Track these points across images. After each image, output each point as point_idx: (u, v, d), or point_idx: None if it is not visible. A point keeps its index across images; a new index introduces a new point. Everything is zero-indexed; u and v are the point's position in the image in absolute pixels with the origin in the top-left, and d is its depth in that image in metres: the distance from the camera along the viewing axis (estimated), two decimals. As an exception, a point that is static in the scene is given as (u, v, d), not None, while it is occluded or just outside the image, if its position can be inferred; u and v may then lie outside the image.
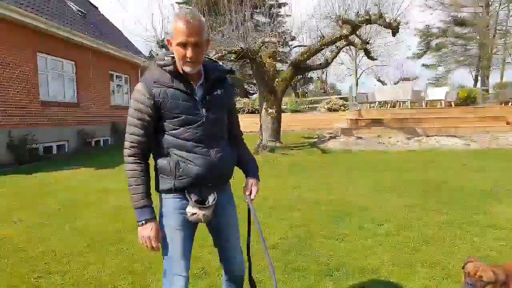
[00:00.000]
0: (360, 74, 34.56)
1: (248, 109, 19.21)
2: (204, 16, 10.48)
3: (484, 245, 3.36)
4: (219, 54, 9.31)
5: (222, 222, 1.89)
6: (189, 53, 1.61)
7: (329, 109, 18.90)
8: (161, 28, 16.25)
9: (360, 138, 11.67)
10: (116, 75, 15.19)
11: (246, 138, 2.07)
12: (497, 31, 29.87)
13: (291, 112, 19.11)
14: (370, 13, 10.48)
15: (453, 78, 38.27)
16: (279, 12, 21.77)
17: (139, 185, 1.71)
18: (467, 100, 16.92)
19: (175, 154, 1.70)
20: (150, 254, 3.32)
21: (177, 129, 1.70)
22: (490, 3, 29.14)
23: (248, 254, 1.94)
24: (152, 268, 3.07)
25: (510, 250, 3.26)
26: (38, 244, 3.66)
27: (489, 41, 29.15)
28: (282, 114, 12.35)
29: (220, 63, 1.93)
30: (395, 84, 25.37)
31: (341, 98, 20.72)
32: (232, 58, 10.21)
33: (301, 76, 28.22)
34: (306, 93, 27.85)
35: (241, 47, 9.72)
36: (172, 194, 1.76)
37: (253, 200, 1.85)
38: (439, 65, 35.21)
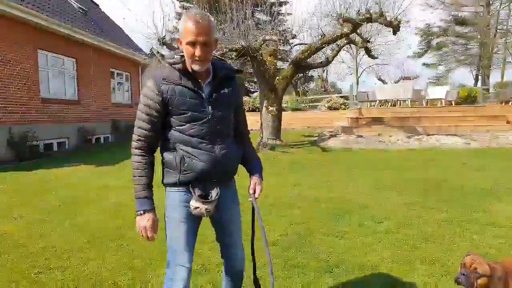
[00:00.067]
0: (361, 73, 34.60)
1: (249, 107, 19.22)
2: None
3: (483, 243, 3.37)
4: (220, 52, 9.31)
5: (225, 218, 1.93)
6: (197, 52, 1.66)
7: (330, 108, 18.90)
8: (162, 26, 16.29)
9: (361, 136, 11.66)
10: (117, 73, 15.18)
11: (246, 136, 2.08)
12: (497, 30, 29.86)
13: (291, 111, 19.11)
14: (371, 11, 10.47)
15: (453, 77, 38.31)
16: (280, 10, 21.72)
17: (142, 176, 1.78)
18: (467, 99, 16.92)
19: (181, 149, 1.76)
20: (151, 250, 3.35)
21: (184, 125, 1.75)
22: (491, 2, 29.09)
23: (252, 254, 1.96)
24: (152, 264, 3.08)
25: (509, 247, 3.27)
26: (38, 240, 3.67)
27: (490, 40, 29.13)
28: (283, 113, 12.34)
29: (229, 63, 1.98)
30: (395, 83, 25.34)
31: (341, 97, 20.73)
32: (232, 56, 10.20)
33: (302, 74, 28.20)
34: (307, 91, 27.85)
35: (242, 45, 9.71)
36: (176, 188, 1.81)
37: (257, 199, 1.88)
38: (439, 64, 35.23)
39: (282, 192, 5.44)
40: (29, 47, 10.03)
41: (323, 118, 17.24)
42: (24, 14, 9.43)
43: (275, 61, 12.15)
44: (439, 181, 6.03)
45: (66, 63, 11.87)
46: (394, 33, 11.36)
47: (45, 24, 10.22)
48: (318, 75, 32.74)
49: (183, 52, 1.74)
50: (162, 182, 1.85)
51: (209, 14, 1.75)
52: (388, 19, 10.56)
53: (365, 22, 10.78)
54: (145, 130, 1.77)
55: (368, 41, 12.74)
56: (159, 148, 1.88)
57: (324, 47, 11.53)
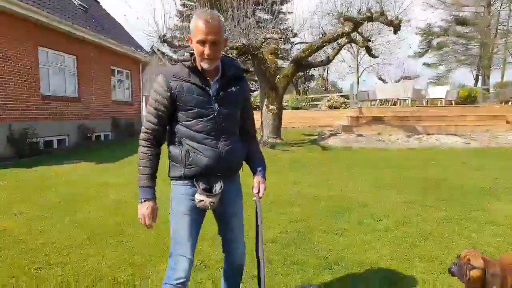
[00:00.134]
0: (362, 72, 34.58)
1: (249, 106, 19.18)
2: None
3: (481, 241, 3.39)
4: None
5: (228, 212, 1.98)
6: (207, 50, 1.71)
7: (330, 107, 18.89)
8: (163, 23, 16.28)
9: (361, 135, 11.67)
10: (117, 70, 15.16)
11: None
12: (498, 30, 29.88)
13: (292, 109, 19.10)
14: (372, 10, 10.47)
15: (454, 77, 38.35)
16: (281, 9, 21.69)
17: (146, 167, 1.87)
18: (467, 99, 16.93)
19: (186, 144, 1.82)
20: (151, 247, 3.37)
21: (190, 120, 1.81)
22: (491, 2, 29.08)
23: (257, 254, 1.98)
24: (152, 260, 3.09)
25: (507, 245, 3.29)
26: (38, 236, 3.67)
27: (490, 40, 29.13)
28: (283, 111, 12.36)
29: (238, 62, 2.02)
30: (396, 82, 25.34)
31: (342, 96, 20.72)
32: (233, 54, 10.20)
33: (303, 73, 28.21)
34: (307, 90, 27.82)
35: (243, 43, 9.71)
36: (182, 181, 1.88)
37: (261, 198, 1.92)
38: (440, 64, 35.22)
39: (282, 190, 5.44)
40: (30, 44, 10.02)
41: (324, 117, 17.23)
42: (24, 10, 9.42)
43: (276, 59, 12.15)
44: (438, 180, 6.04)
45: (66, 60, 11.86)
46: (395, 32, 11.37)
47: (45, 21, 10.20)
48: (319, 74, 32.75)
49: (193, 50, 1.79)
50: (169, 175, 1.92)
51: (219, 14, 1.80)
52: (389, 18, 10.57)
53: (366, 21, 10.78)
54: (153, 123, 1.84)
55: (369, 40, 12.74)
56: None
57: (325, 45, 11.53)
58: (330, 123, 15.50)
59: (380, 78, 33.64)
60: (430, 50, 34.79)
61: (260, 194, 1.92)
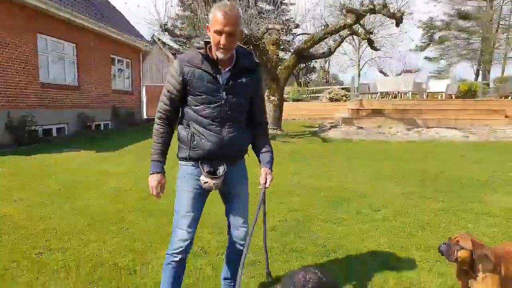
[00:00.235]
0: (363, 65, 34.44)
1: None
2: (207, 2, 10.34)
3: (477, 231, 3.43)
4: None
5: (232, 193, 2.09)
6: (222, 40, 1.79)
7: (331, 99, 18.84)
8: (164, 12, 16.16)
9: (361, 128, 11.68)
10: (117, 59, 15.07)
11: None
12: (500, 25, 29.73)
13: (293, 101, 19.07)
14: (375, 2, 10.39)
15: (454, 71, 38.15)
16: (283, 0, 21.57)
17: (157, 143, 2.00)
18: (467, 93, 16.92)
19: (193, 127, 1.94)
20: (151, 233, 3.40)
21: (198, 106, 1.92)
22: (494, -3, 28.89)
23: (265, 248, 2.05)
24: (152, 246, 3.11)
25: (502, 236, 3.34)
26: (38, 222, 3.69)
27: (492, 35, 29.00)
28: (284, 103, 12.34)
29: (253, 55, 2.09)
30: (397, 76, 25.27)
31: (343, 88, 20.66)
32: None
33: (304, 65, 28.08)
34: (309, 82, 27.67)
35: (245, 33, 9.65)
36: (187, 162, 2.00)
37: (267, 188, 2.02)
38: (441, 58, 35.09)
39: (282, 181, 5.46)
40: (28, 30, 9.94)
41: (324, 109, 17.22)
42: (23, -3, 9.32)
43: (277, 50, 12.09)
44: (437, 173, 6.08)
45: (66, 48, 11.78)
46: (397, 25, 11.30)
47: (44, 8, 10.09)
48: (320, 66, 32.60)
49: (209, 38, 1.87)
50: (177, 156, 2.04)
51: (238, 6, 1.89)
52: (392, 10, 10.49)
53: (368, 13, 10.71)
54: (166, 105, 1.97)
55: (371, 33, 12.69)
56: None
57: (327, 37, 11.48)
58: (331, 115, 15.49)
59: (381, 71, 33.54)
60: (431, 44, 34.64)
61: (267, 185, 2.01)
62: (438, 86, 16.22)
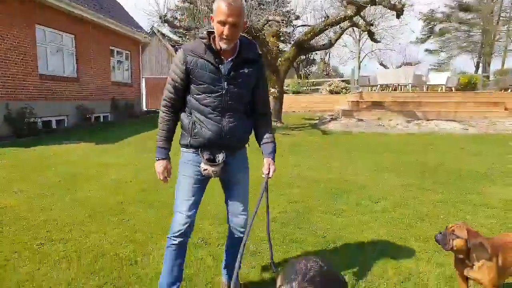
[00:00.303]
0: (363, 58, 34.29)
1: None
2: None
3: (475, 222, 3.46)
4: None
5: (232, 181, 2.13)
6: (226, 31, 1.82)
7: (331, 91, 18.80)
8: (164, 3, 16.01)
9: (361, 120, 11.68)
10: (116, 51, 14.97)
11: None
12: (500, 18, 29.57)
13: (293, 93, 19.03)
14: (375, -7, 10.31)
15: (455, 64, 38.03)
16: (283, -10, 21.37)
17: (162, 130, 2.07)
18: (467, 86, 16.89)
19: (195, 116, 1.99)
20: (152, 225, 3.41)
21: (200, 94, 1.96)
22: (495, -12, 28.67)
23: (268, 237, 2.09)
24: (153, 237, 3.13)
25: (500, 227, 3.37)
26: (39, 214, 3.71)
27: (492, 27, 28.87)
28: (284, 95, 12.31)
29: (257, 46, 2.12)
30: (397, 68, 25.17)
31: (343, 81, 20.60)
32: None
33: (304, 57, 27.94)
34: (309, 75, 27.57)
35: (244, 25, 9.58)
36: (188, 149, 2.06)
37: (270, 178, 2.05)
38: (441, 51, 34.95)
39: (282, 172, 5.47)
40: (26, 21, 9.85)
41: (324, 101, 17.20)
42: (21, -13, 9.23)
43: (277, 42, 12.03)
44: (436, 165, 6.10)
45: (64, 39, 11.69)
46: (398, 16, 11.22)
47: (42, -2, 10.01)
48: (321, 58, 32.47)
49: (213, 28, 1.89)
50: (179, 142, 2.10)
51: None
52: (392, 2, 10.41)
53: (369, 5, 10.63)
54: (170, 93, 2.02)
55: (372, 25, 12.62)
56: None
57: (327, 29, 11.41)
58: (331, 108, 15.48)
59: (381, 64, 33.40)
60: (432, 36, 34.47)
61: (270, 175, 2.04)
62: (438, 78, 16.18)
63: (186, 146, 2.05)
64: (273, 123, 10.90)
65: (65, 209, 3.87)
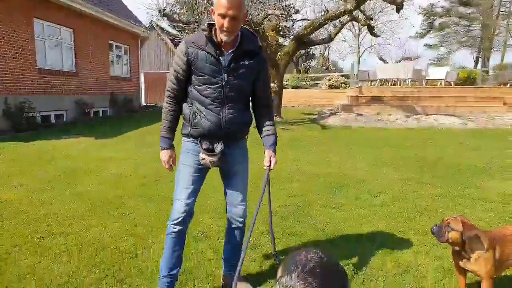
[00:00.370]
0: (363, 52, 34.21)
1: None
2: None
3: (474, 216, 3.48)
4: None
5: (231, 171, 2.17)
6: (226, 23, 1.84)
7: (330, 86, 18.78)
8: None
9: (360, 115, 11.68)
10: (115, 45, 14.90)
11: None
12: (500, 12, 29.49)
13: (292, 88, 19.00)
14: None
15: (454, 58, 38.03)
16: (283, -16, 21.23)
17: (166, 120, 2.12)
18: (467, 80, 16.89)
19: (195, 106, 2.03)
20: (152, 218, 3.43)
21: (201, 86, 1.99)
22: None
23: (271, 229, 2.12)
24: (153, 231, 3.14)
25: (498, 220, 3.39)
26: (39, 207, 3.71)
27: (492, 22, 28.81)
28: (283, 90, 12.29)
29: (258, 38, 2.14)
30: (397, 63, 25.11)
31: (342, 76, 20.57)
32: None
33: (304, 52, 27.86)
34: (308, 69, 27.52)
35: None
36: (188, 138, 2.11)
37: (272, 170, 2.08)
38: (441, 45, 34.92)
39: (282, 167, 5.47)
40: (25, 15, 9.79)
41: (324, 96, 17.18)
42: (19, -20, 9.16)
43: (277, 36, 11.98)
44: (435, 159, 6.11)
45: (63, 33, 11.63)
46: (398, 11, 11.19)
47: (40, -8, 9.94)
48: (320, 53, 32.37)
49: (214, 20, 1.92)
50: (181, 132, 2.15)
51: None
52: (392, -5, 10.37)
53: (369, -1, 10.57)
54: (173, 84, 2.06)
55: (371, 19, 12.57)
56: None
57: (327, 23, 11.36)
58: (330, 103, 15.47)
59: (381, 58, 33.35)
60: (431, 31, 34.39)
61: (272, 167, 2.07)
62: (437, 73, 16.18)
63: (187, 135, 2.10)
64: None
65: (65, 203, 3.88)
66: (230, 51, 1.97)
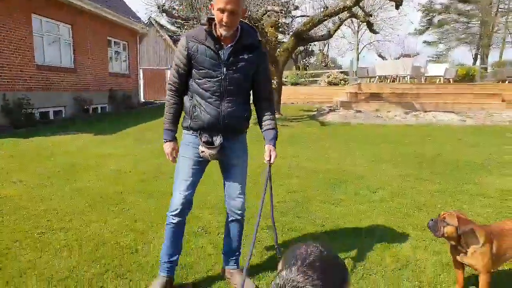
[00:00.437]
0: (362, 49, 34.16)
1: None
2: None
3: (472, 211, 3.50)
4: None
5: (230, 164, 2.19)
6: (225, 18, 1.87)
7: (330, 83, 18.78)
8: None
9: (359, 111, 11.69)
10: (114, 42, 14.85)
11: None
12: (499, 9, 29.50)
13: (291, 85, 18.99)
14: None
15: (453, 55, 38.00)
16: (282, -19, 21.14)
17: (168, 113, 2.16)
18: (465, 77, 16.91)
19: (195, 99, 2.06)
20: (152, 214, 3.44)
21: (200, 79, 2.03)
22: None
23: (273, 222, 2.16)
24: (153, 227, 3.15)
25: (496, 216, 3.41)
26: (39, 203, 3.72)
27: (491, 18, 28.83)
28: (283, 87, 12.28)
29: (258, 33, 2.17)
30: (396, 59, 25.10)
31: (341, 72, 20.56)
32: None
33: (303, 48, 27.82)
34: (307, 66, 27.51)
35: (242, 15, 9.51)
36: (188, 131, 2.15)
37: (272, 164, 2.11)
38: (440, 42, 34.94)
39: (281, 163, 5.49)
40: (22, 10, 9.75)
41: (323, 93, 17.19)
42: (16, -24, 9.10)
43: (276, 33, 11.96)
44: (434, 156, 6.14)
45: (61, 29, 11.58)
46: (397, 7, 11.18)
47: (39, -12, 9.89)
48: (319, 50, 32.32)
49: (213, 15, 1.94)
50: (181, 124, 2.18)
51: None
52: (392, -8, 10.35)
53: (368, -5, 10.55)
54: (174, 77, 2.10)
55: (370, 15, 12.54)
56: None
57: (326, 19, 11.35)
58: (329, 99, 15.48)
59: (380, 55, 33.33)
60: (430, 28, 34.38)
61: (272, 161, 2.10)
62: (436, 70, 16.18)
63: (187, 128, 2.13)
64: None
65: (65, 198, 3.89)
66: (229, 45, 1.99)
